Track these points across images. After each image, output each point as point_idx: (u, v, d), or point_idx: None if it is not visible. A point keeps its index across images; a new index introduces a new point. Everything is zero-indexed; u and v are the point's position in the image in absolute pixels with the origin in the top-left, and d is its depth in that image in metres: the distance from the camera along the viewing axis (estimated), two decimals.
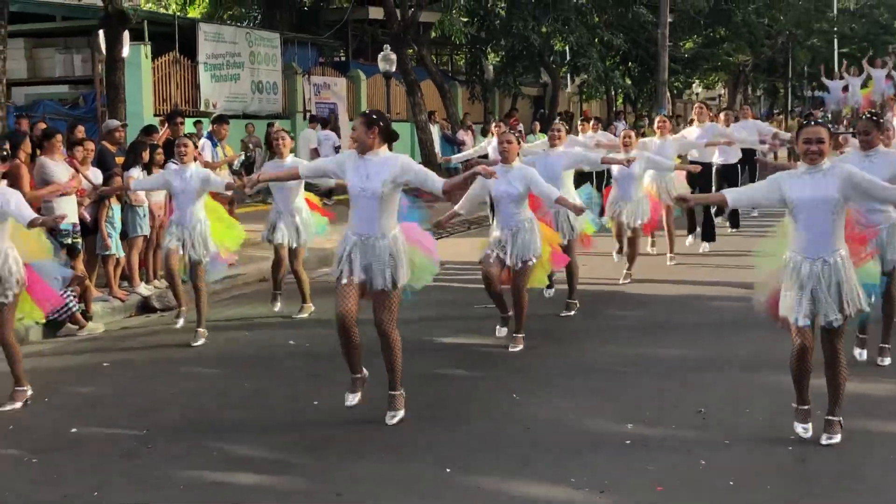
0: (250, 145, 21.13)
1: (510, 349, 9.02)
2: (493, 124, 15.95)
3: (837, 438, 6.33)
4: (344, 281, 6.94)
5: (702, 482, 5.79)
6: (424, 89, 26.63)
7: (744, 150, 16.67)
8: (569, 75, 36.99)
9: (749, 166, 17.37)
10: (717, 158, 15.51)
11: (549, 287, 10.97)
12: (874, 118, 8.04)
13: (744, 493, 5.64)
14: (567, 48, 30.68)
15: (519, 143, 9.38)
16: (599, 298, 11.41)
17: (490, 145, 15.17)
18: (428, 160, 22.82)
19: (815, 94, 52.21)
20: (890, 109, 10.78)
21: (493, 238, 9.10)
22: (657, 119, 14.39)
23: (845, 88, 29.34)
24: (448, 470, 6.03)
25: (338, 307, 6.94)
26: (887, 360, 8.14)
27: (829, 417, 6.41)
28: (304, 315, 10.73)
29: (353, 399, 7.15)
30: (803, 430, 6.41)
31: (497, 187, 8.99)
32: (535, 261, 9.05)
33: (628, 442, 6.48)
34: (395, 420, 6.99)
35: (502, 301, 9.28)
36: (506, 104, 33.69)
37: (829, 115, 29.41)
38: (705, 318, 10.32)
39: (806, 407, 6.45)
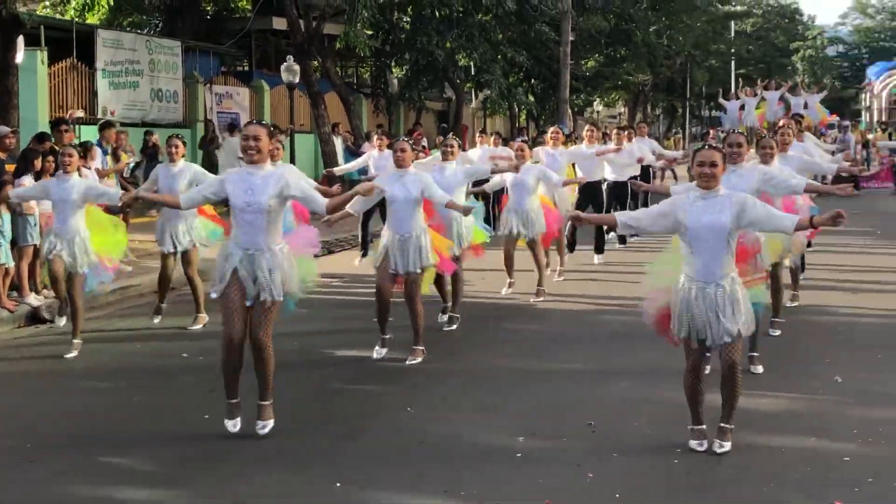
0: (124, 153, 20.67)
1: (408, 362, 9.02)
2: (376, 137, 15.73)
3: (728, 446, 6.48)
4: (230, 299, 6.85)
5: (589, 495, 5.86)
6: (329, 101, 26.56)
7: (640, 168, 17.00)
8: (473, 91, 37.22)
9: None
10: (608, 174, 15.75)
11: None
12: (743, 133, 8.39)
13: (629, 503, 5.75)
14: (471, 64, 30.88)
15: (416, 151, 9.45)
16: (494, 312, 11.49)
17: (371, 158, 15.03)
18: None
19: (712, 114, 53.45)
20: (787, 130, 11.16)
21: (383, 245, 9.12)
22: (551, 130, 14.48)
23: (742, 108, 30.05)
24: (338, 484, 6.01)
25: (226, 329, 6.85)
26: (760, 368, 8.41)
27: (723, 425, 6.56)
28: (199, 326, 10.61)
29: (236, 426, 6.97)
30: (698, 445, 6.55)
31: (392, 191, 9.04)
32: (425, 270, 9.12)
33: (519, 455, 6.52)
34: (267, 430, 6.94)
35: (386, 320, 9.20)
36: (411, 118, 33.78)
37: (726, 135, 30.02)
38: (597, 331, 10.45)
39: (700, 427, 6.61)
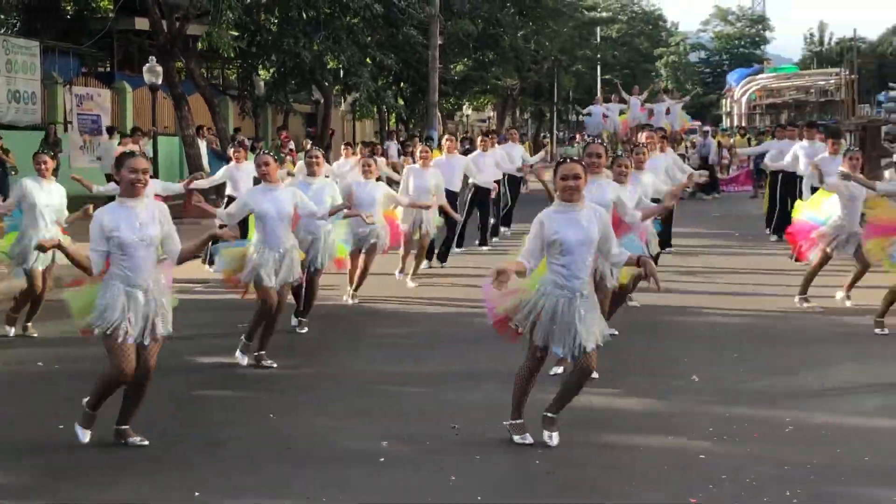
0: None
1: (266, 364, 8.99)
2: (233, 150, 14.89)
3: (556, 436, 6.67)
4: (126, 340, 6.59)
5: (451, 497, 5.86)
6: (193, 103, 26.07)
7: (507, 175, 17.26)
8: (342, 94, 37.05)
9: (511, 190, 17.96)
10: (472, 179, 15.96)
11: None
12: (603, 144, 8.56)
13: None
14: (339, 66, 30.69)
15: (284, 155, 9.39)
16: (360, 316, 11.43)
17: (227, 172, 14.35)
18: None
19: (579, 119, 54.33)
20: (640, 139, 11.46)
21: (257, 262, 8.95)
22: (420, 149, 14.40)
23: (605, 116, 30.53)
24: (197, 494, 5.89)
25: (120, 367, 6.57)
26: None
27: (552, 415, 6.72)
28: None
29: (86, 437, 6.79)
30: (522, 438, 6.67)
31: (263, 207, 8.95)
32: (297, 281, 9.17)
33: (382, 459, 6.49)
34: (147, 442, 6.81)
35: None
36: (278, 120, 33.45)
37: (589, 139, 30.60)
38: (463, 334, 10.43)
39: (521, 421, 6.74)
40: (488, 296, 6.76)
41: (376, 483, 6.11)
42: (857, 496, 5.84)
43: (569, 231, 6.51)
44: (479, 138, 17.35)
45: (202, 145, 24.75)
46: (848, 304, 11.29)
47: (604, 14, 68.43)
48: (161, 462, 6.51)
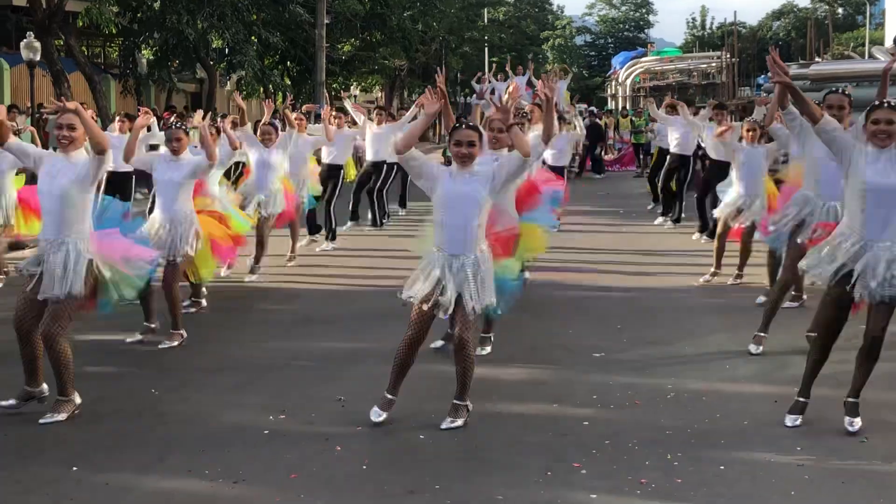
0: None
1: (162, 346, 8.74)
2: (118, 119, 15.40)
3: (460, 423, 6.52)
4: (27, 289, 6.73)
5: (336, 467, 5.85)
6: (74, 81, 25.45)
7: None
8: (227, 72, 36.56)
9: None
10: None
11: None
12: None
13: (376, 472, 5.79)
14: (224, 44, 30.23)
15: (187, 135, 9.28)
16: (250, 293, 11.29)
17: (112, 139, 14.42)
18: None
19: (467, 100, 54.51)
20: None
21: (154, 229, 8.87)
22: (295, 116, 14.33)
23: (492, 93, 30.68)
24: (75, 468, 5.78)
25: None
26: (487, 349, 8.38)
27: (456, 402, 6.60)
28: None
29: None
30: (377, 415, 6.54)
31: (162, 173, 8.98)
32: (185, 257, 9.00)
33: (267, 432, 6.44)
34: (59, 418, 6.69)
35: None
36: (161, 99, 32.85)
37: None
38: (352, 310, 10.41)
39: (392, 398, 6.64)
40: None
41: (260, 456, 6.04)
42: (736, 459, 5.96)
43: (451, 188, 6.49)
44: (376, 114, 17.42)
45: None
46: (729, 281, 11.42)
47: None
48: (36, 439, 6.36)
